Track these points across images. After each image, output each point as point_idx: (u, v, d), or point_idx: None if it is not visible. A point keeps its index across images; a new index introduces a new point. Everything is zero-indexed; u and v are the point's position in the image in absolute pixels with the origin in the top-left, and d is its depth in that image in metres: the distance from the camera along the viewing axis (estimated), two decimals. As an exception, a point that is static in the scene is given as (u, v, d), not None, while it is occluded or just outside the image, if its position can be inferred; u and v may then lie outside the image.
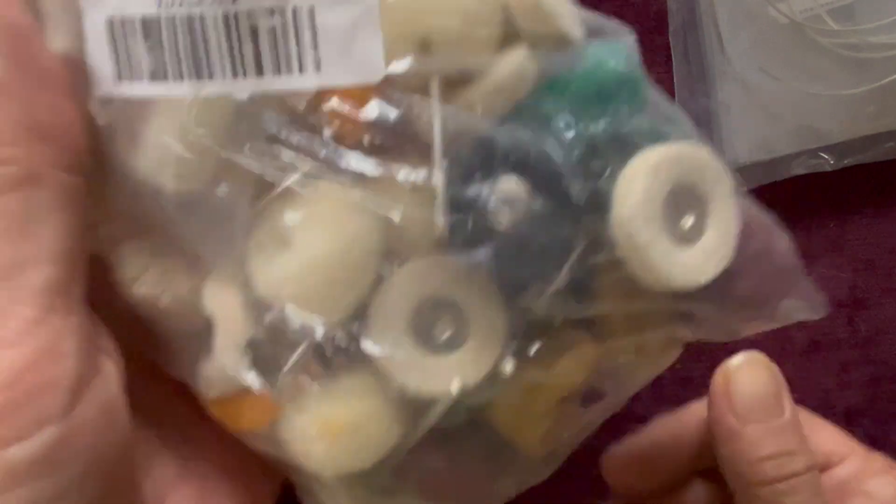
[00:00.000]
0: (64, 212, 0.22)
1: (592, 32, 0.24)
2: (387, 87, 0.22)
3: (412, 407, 0.24)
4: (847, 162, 0.38)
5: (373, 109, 0.22)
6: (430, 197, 0.22)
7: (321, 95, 0.22)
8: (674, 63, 0.39)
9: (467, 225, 0.22)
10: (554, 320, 0.23)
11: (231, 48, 0.22)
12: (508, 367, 0.23)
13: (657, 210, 0.23)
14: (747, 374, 0.29)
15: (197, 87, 0.22)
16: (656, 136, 0.23)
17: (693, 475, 0.32)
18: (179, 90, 0.22)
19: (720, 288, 0.24)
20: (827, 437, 0.31)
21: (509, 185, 0.22)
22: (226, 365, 0.24)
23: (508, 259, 0.22)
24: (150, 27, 0.22)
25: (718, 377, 0.29)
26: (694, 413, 0.31)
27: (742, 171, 0.38)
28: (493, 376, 0.23)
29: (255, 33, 0.21)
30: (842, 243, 0.40)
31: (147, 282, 0.24)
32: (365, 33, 0.21)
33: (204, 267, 0.24)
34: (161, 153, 0.23)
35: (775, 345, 0.39)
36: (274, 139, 0.22)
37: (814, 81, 0.37)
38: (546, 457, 0.27)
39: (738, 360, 0.29)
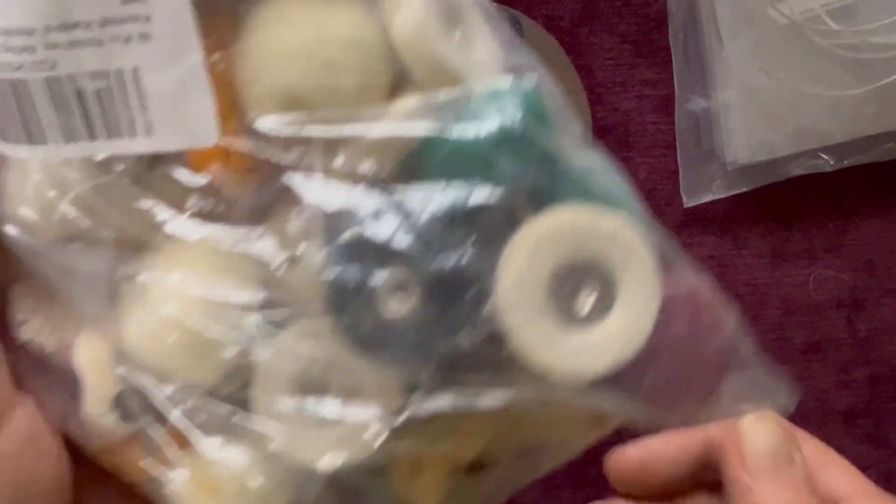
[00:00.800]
0: None
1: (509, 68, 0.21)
2: (257, 146, 0.21)
3: (299, 479, 0.22)
4: (847, 162, 0.38)
5: (221, 176, 0.21)
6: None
7: (192, 157, 0.21)
8: (674, 63, 0.39)
9: (348, 308, 0.21)
10: (439, 396, 0.21)
11: (59, 112, 0.21)
12: (380, 439, 0.22)
13: (538, 289, 0.20)
14: (757, 432, 0.29)
15: (32, 151, 0.21)
16: (557, 196, 0.21)
17: (696, 486, 0.32)
18: (18, 153, 0.21)
19: (628, 377, 0.21)
20: (838, 474, 0.31)
21: (394, 275, 0.20)
22: (94, 418, 0.23)
23: (392, 343, 0.21)
24: None
25: (731, 434, 0.29)
26: (701, 433, 0.32)
27: (742, 172, 0.39)
28: (370, 448, 0.22)
29: (81, 97, 0.21)
30: (841, 243, 0.40)
31: (33, 327, 0.24)
32: (194, 95, 0.20)
33: (83, 320, 0.23)
34: (12, 209, 0.22)
35: (774, 345, 0.39)
36: (140, 195, 0.22)
37: (814, 82, 0.37)
38: None
39: (748, 419, 0.29)
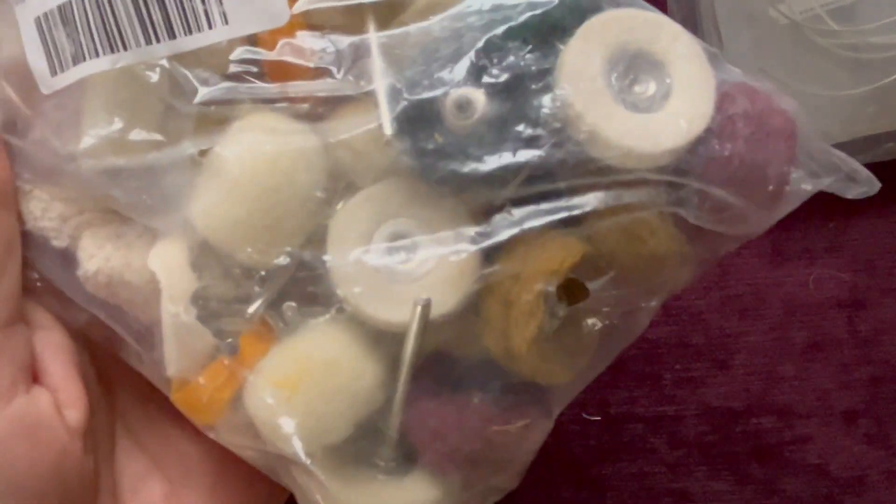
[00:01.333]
0: None
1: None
2: (319, 18, 0.23)
3: (387, 352, 0.23)
4: (847, 162, 0.38)
5: (290, 48, 0.23)
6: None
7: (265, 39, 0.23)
8: (674, 63, 0.39)
9: (420, 132, 0.22)
10: (521, 211, 0.23)
11: (140, 16, 0.23)
12: (469, 272, 0.22)
13: (594, 75, 0.22)
14: None
15: (114, 60, 0.23)
16: (600, 10, 0.23)
17: None
18: (98, 66, 0.23)
19: (699, 157, 0.22)
20: None
21: (463, 91, 0.22)
22: (171, 320, 0.23)
23: (467, 154, 0.22)
24: (65, 13, 0.23)
25: None
26: None
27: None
28: (459, 285, 0.22)
29: None
30: (842, 243, 0.40)
31: (100, 256, 0.24)
32: None
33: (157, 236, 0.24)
34: (94, 134, 0.23)
35: (775, 345, 0.39)
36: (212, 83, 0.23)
37: (814, 82, 0.37)
38: (557, 384, 0.25)
39: None
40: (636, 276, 0.24)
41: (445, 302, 0.23)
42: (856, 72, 0.37)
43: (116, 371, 0.28)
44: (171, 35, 0.23)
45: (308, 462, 0.23)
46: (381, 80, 0.22)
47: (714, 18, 0.37)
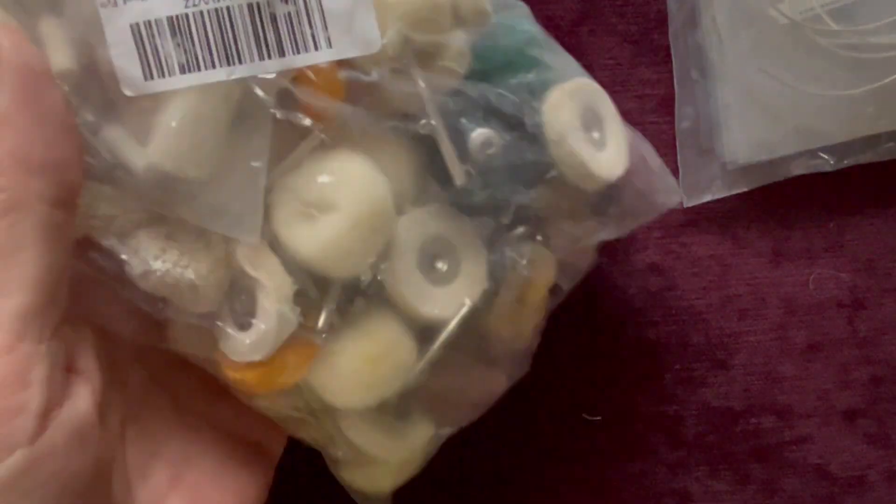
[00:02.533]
0: (45, 243, 0.23)
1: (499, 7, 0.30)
2: (377, 59, 0.28)
3: (422, 336, 0.29)
4: (847, 162, 0.38)
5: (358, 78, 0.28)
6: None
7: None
8: (674, 63, 0.39)
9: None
10: (522, 232, 0.30)
11: (256, 34, 0.26)
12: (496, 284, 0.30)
13: (577, 125, 0.30)
14: None
15: (229, 71, 0.26)
16: (561, 77, 0.30)
17: None
18: (213, 77, 0.26)
19: (619, 187, 0.31)
20: None
21: (484, 132, 0.29)
22: (277, 317, 0.27)
23: (488, 183, 0.29)
24: (177, 25, 0.26)
25: None
26: None
27: (742, 172, 0.39)
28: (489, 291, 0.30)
29: (274, 20, 0.26)
30: (842, 243, 0.40)
31: (168, 259, 0.26)
32: (362, 13, 0.27)
33: (220, 244, 0.27)
34: (175, 142, 0.26)
35: (775, 345, 0.39)
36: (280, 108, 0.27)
37: (814, 82, 0.37)
38: (526, 349, 0.32)
39: None
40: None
41: (472, 296, 0.30)
42: (856, 72, 0.37)
43: (126, 359, 0.28)
44: (282, 53, 0.26)
45: (355, 418, 0.30)
46: (444, 134, 0.28)
47: (714, 18, 0.37)
